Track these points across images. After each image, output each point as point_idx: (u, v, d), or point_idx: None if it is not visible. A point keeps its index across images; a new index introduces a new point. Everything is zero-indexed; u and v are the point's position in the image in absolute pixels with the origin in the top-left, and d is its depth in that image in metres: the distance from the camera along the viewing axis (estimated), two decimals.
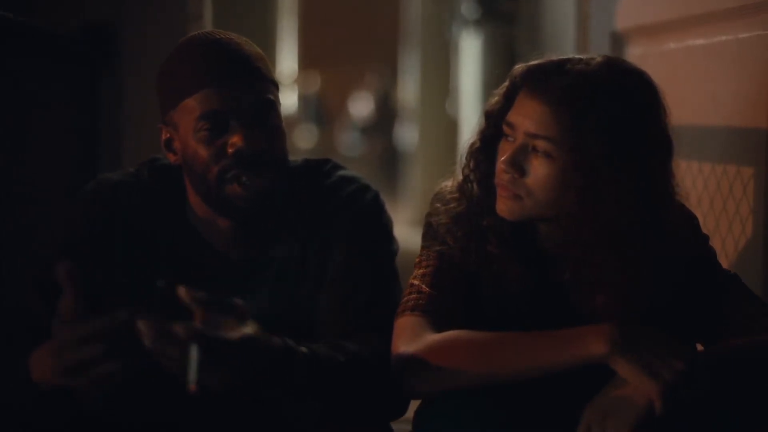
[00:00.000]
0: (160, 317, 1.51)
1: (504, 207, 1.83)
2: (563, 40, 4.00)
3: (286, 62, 7.87)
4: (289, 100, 7.94)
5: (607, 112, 1.75)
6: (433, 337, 1.77)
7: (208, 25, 3.60)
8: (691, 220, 1.94)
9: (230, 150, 1.85)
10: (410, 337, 1.79)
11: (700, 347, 1.89)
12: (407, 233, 5.54)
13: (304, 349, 1.71)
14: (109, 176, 2.00)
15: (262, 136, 1.87)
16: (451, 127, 7.78)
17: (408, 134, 10.31)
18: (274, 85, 1.92)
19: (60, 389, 1.63)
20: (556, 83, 1.77)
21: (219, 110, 1.85)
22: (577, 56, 1.83)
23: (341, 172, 2.02)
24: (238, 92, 1.86)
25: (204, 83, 1.85)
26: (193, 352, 1.50)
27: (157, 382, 1.65)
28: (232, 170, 1.85)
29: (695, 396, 1.65)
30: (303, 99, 14.63)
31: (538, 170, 1.79)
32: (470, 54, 6.76)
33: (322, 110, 16.26)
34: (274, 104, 1.90)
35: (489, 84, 6.06)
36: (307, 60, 15.33)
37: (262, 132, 1.87)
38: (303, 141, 14.25)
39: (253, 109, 1.86)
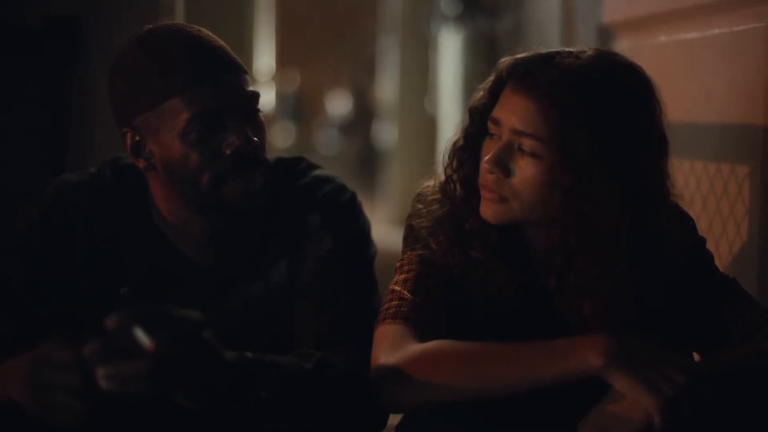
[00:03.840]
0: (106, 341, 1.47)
1: (488, 210, 1.77)
2: (548, 35, 3.98)
3: (264, 59, 7.81)
4: (266, 98, 7.92)
5: (598, 108, 1.70)
6: (415, 347, 1.71)
7: (179, 19, 3.54)
8: (686, 221, 1.89)
9: (228, 150, 1.78)
10: (391, 347, 1.73)
11: (696, 357, 1.85)
12: (385, 233, 5.53)
13: (265, 359, 1.67)
14: (70, 177, 1.93)
15: (255, 132, 1.81)
16: (430, 125, 7.87)
17: (386, 132, 10.33)
18: (249, 76, 1.86)
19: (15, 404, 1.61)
20: (544, 78, 1.72)
21: (212, 109, 1.77)
22: (566, 49, 1.77)
23: (316, 172, 1.96)
24: (229, 88, 1.79)
25: (192, 81, 1.77)
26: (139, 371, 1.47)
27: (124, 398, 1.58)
28: (230, 171, 1.78)
29: (696, 410, 1.59)
30: (280, 97, 14.64)
31: (525, 171, 1.73)
32: (450, 50, 6.79)
33: (300, 108, 16.33)
34: (256, 93, 1.84)
35: (469, 81, 6.10)
36: (284, 57, 15.32)
37: (254, 128, 1.81)
38: (281, 139, 14.23)
39: (244, 104, 1.81)
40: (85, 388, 1.50)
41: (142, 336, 1.46)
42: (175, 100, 1.76)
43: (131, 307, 1.49)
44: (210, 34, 1.84)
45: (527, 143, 1.72)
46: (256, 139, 1.80)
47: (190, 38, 1.80)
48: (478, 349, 1.67)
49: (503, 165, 1.73)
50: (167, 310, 1.51)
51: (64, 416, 1.54)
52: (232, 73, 1.80)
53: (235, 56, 1.84)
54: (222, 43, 1.84)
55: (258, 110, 1.83)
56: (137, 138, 1.82)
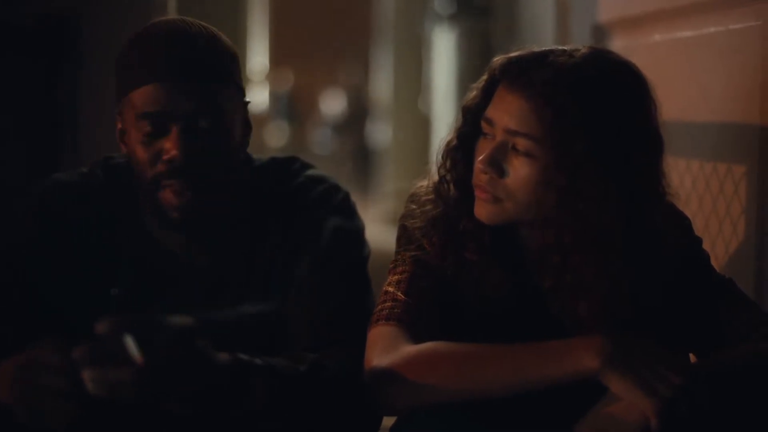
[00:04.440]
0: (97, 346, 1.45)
1: (482, 211, 1.76)
2: (542, 34, 3.97)
3: (257, 58, 7.80)
4: (259, 97, 7.92)
5: (592, 107, 1.68)
6: (410, 349, 1.69)
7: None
8: (682, 220, 1.88)
9: (164, 157, 1.76)
10: (385, 349, 1.71)
11: (692, 357, 1.83)
12: (379, 232, 5.52)
13: (259, 361, 1.65)
14: (60, 177, 1.92)
15: (202, 143, 1.77)
16: (424, 124, 7.85)
17: (380, 132, 10.32)
18: (231, 84, 1.82)
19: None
20: (538, 77, 1.70)
21: (159, 111, 1.75)
22: (560, 48, 1.75)
23: (309, 172, 1.94)
24: (181, 92, 1.76)
25: (148, 78, 1.76)
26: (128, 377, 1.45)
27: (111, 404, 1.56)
28: (165, 178, 1.77)
29: (693, 411, 1.58)
30: (274, 96, 14.61)
31: (519, 171, 1.71)
32: (444, 49, 6.78)
33: (294, 107, 16.29)
34: (221, 108, 1.79)
35: (463, 80, 6.09)
36: (278, 56, 15.30)
37: (202, 139, 1.77)
38: (274, 139, 14.21)
39: (195, 112, 1.76)
40: (73, 391, 1.48)
41: (131, 344, 1.44)
42: (132, 95, 1.77)
43: (122, 313, 1.47)
44: (202, 34, 1.80)
45: (521, 143, 1.70)
46: (201, 151, 1.76)
47: (170, 34, 1.78)
48: (471, 351, 1.66)
49: (497, 165, 1.72)
50: (158, 318, 1.48)
51: (52, 419, 1.52)
52: (190, 76, 1.76)
53: (215, 60, 1.79)
54: (214, 44, 1.80)
55: (214, 121, 1.77)
56: (120, 125, 1.83)
